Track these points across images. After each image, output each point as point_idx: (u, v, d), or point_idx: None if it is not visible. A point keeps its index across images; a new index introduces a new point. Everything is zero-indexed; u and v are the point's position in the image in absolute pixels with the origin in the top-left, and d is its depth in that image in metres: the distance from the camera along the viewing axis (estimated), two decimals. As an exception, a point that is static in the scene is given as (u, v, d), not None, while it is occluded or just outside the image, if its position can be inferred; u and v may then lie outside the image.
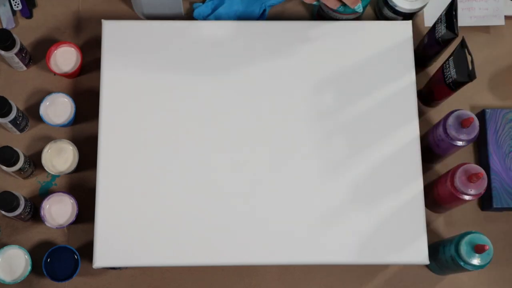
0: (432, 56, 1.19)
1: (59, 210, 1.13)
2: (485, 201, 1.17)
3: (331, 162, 1.07)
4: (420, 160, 1.08)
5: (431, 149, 1.13)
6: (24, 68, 1.20)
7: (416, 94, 1.10)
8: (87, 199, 1.14)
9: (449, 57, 1.10)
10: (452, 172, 1.04)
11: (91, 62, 1.21)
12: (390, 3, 1.18)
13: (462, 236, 1.02)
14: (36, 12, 1.24)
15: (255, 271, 1.15)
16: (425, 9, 1.24)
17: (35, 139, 1.18)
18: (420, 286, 1.15)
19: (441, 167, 1.19)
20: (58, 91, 1.18)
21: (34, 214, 1.14)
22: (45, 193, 1.16)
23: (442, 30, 1.11)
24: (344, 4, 1.08)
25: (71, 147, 1.15)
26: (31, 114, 1.19)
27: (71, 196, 1.13)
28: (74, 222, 1.13)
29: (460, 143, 1.06)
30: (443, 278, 1.16)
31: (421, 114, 1.19)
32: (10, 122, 1.12)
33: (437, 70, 1.14)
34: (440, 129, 1.07)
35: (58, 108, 1.17)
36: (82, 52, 1.20)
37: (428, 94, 1.19)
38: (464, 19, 1.24)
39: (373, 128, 1.09)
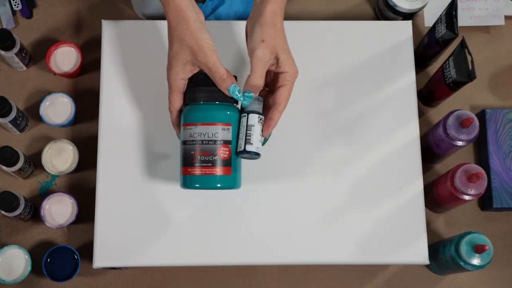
0: (432, 56, 1.19)
1: (59, 210, 1.13)
2: (485, 201, 1.17)
3: (331, 162, 1.07)
4: (420, 160, 1.08)
5: (431, 149, 1.13)
6: (24, 68, 1.20)
7: (416, 94, 1.10)
8: (87, 199, 1.14)
9: (449, 57, 1.10)
10: (452, 172, 1.04)
11: (91, 62, 1.21)
12: (390, 3, 1.18)
13: (462, 236, 1.02)
14: (36, 12, 1.24)
15: (255, 271, 1.15)
16: (425, 9, 1.24)
17: (35, 139, 1.18)
18: (420, 286, 1.15)
19: (441, 167, 1.19)
20: (58, 91, 1.18)
21: (34, 214, 1.14)
22: (45, 193, 1.16)
23: (442, 30, 1.11)
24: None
25: (71, 147, 1.15)
26: (31, 114, 1.19)
27: (71, 196, 1.13)
28: (74, 222, 1.13)
29: (460, 143, 1.06)
30: (443, 278, 1.16)
31: (421, 114, 1.19)
32: (10, 122, 1.12)
33: (437, 70, 1.14)
34: (440, 129, 1.07)
35: (58, 108, 1.17)
36: (82, 52, 1.20)
37: (428, 94, 1.19)
38: (464, 19, 1.24)
39: (373, 128, 1.08)
